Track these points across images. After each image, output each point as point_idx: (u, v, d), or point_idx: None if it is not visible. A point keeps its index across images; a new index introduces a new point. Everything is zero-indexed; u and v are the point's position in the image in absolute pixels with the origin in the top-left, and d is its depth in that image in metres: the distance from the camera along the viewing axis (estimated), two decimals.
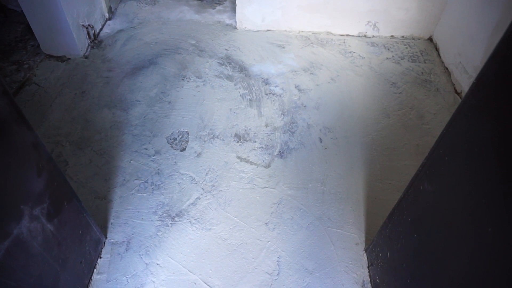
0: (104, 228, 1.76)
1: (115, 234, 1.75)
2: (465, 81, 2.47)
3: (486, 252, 0.86)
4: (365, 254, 1.72)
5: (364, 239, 1.78)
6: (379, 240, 1.55)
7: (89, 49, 2.81)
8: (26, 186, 1.13)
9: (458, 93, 2.53)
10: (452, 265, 0.99)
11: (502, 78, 0.83)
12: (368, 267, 1.67)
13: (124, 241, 1.73)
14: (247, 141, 2.20)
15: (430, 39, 3.00)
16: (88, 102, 2.40)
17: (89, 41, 2.83)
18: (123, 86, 2.51)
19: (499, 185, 0.83)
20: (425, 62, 2.79)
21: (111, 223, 1.79)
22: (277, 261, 1.69)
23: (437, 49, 2.89)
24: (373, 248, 1.62)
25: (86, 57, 2.74)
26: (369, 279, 1.64)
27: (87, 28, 2.78)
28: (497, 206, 0.83)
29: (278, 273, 1.65)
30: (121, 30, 3.03)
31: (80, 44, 2.70)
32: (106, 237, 1.73)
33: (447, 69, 2.71)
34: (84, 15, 2.73)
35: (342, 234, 1.80)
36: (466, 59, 2.48)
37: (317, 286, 1.62)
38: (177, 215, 1.83)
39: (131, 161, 2.05)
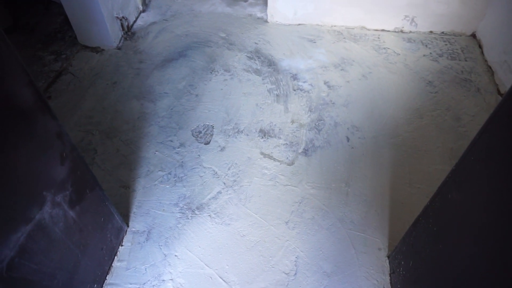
0: (126, 217, 1.80)
1: (136, 223, 1.79)
2: (510, 81, 2.30)
3: None
4: (387, 261, 1.65)
5: (387, 244, 1.70)
6: (403, 247, 1.47)
7: (122, 41, 2.87)
8: (49, 173, 1.17)
9: (501, 94, 2.35)
10: (481, 285, 0.92)
11: None
12: (390, 275, 1.60)
13: (145, 231, 1.76)
14: (272, 137, 2.17)
15: (473, 36, 2.81)
16: (118, 93, 2.46)
17: (122, 33, 2.89)
18: (153, 78, 2.55)
19: None
20: (466, 60, 2.62)
21: (134, 212, 1.83)
22: (295, 261, 1.66)
23: (480, 46, 2.71)
24: (396, 255, 1.55)
25: (119, 49, 2.81)
26: (390, 287, 1.57)
27: (121, 20, 2.84)
28: None
29: (295, 274, 1.62)
30: (154, 23, 3.07)
31: (113, 35, 2.77)
32: (128, 226, 1.77)
33: (490, 68, 2.53)
34: (118, 7, 2.79)
35: (365, 238, 1.73)
36: None
37: None
38: (197, 208, 1.84)
39: (156, 152, 2.09)
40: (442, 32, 2.84)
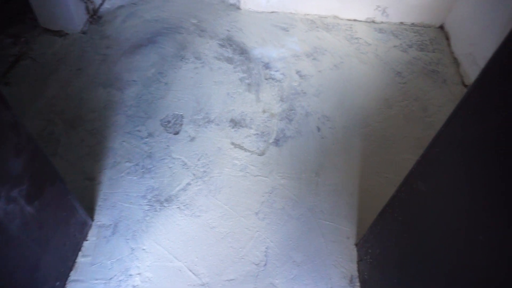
0: (91, 210, 1.74)
1: (102, 217, 1.73)
2: (474, 74, 2.37)
3: (483, 263, 0.81)
4: (355, 249, 1.68)
5: (355, 233, 1.74)
6: (370, 236, 1.50)
7: (87, 25, 2.73)
8: (2, 167, 1.10)
9: (466, 86, 2.42)
10: (443, 273, 0.95)
11: (506, 78, 0.76)
12: (358, 262, 1.63)
13: (111, 224, 1.70)
14: (243, 127, 2.14)
15: (441, 27, 2.87)
16: (83, 80, 2.34)
17: (88, 16, 2.75)
18: (120, 65, 2.45)
19: (504, 193, 0.77)
20: (433, 52, 2.67)
21: (99, 205, 1.77)
22: (265, 251, 1.66)
23: (447, 38, 2.77)
24: (363, 243, 1.58)
25: (84, 33, 2.67)
26: (358, 274, 1.60)
27: (86, 2, 2.70)
28: (496, 215, 0.77)
29: (265, 264, 1.62)
30: (121, 6, 2.94)
31: (78, 18, 2.63)
32: (93, 219, 1.71)
33: (456, 59, 2.60)
34: None
35: (334, 227, 1.76)
36: (478, 50, 2.37)
37: (304, 279, 1.59)
38: (166, 200, 1.80)
39: (123, 143, 2.01)
40: (413, 23, 2.88)
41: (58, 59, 2.47)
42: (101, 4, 2.94)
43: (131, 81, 2.35)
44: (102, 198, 1.78)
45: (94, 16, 2.81)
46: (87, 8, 2.73)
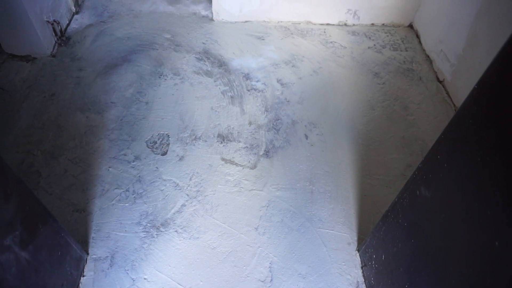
0: (85, 244, 1.66)
1: (97, 250, 1.65)
2: (447, 69, 2.46)
3: (493, 266, 0.83)
4: (357, 254, 1.70)
5: (356, 238, 1.75)
6: (373, 241, 1.52)
7: (56, 47, 2.62)
8: None
9: (440, 82, 2.51)
10: (455, 276, 0.97)
11: (507, 84, 0.79)
12: (362, 268, 1.65)
13: (107, 256, 1.63)
14: (231, 141, 2.12)
15: (411, 26, 2.97)
16: (59, 106, 2.24)
17: (55, 38, 2.64)
18: (96, 87, 2.37)
19: (506, 198, 0.79)
20: (406, 50, 2.76)
21: (92, 237, 1.69)
22: (269, 267, 1.65)
23: (418, 36, 2.86)
24: (366, 249, 1.60)
25: (54, 56, 2.56)
26: (364, 280, 1.61)
27: (52, 24, 2.59)
28: (504, 220, 0.80)
29: (271, 280, 1.61)
30: (90, 25, 2.84)
31: (46, 42, 2.51)
32: (87, 253, 1.63)
33: (428, 57, 2.69)
34: (48, 10, 2.53)
35: (334, 234, 1.76)
36: (448, 46, 2.46)
37: None
38: (162, 224, 1.75)
39: (110, 169, 1.94)
40: (383, 24, 2.96)
41: (28, 86, 2.35)
42: (68, 25, 2.83)
43: (110, 103, 2.27)
44: (95, 230, 1.71)
45: (62, 37, 2.70)
46: (54, 30, 2.62)
